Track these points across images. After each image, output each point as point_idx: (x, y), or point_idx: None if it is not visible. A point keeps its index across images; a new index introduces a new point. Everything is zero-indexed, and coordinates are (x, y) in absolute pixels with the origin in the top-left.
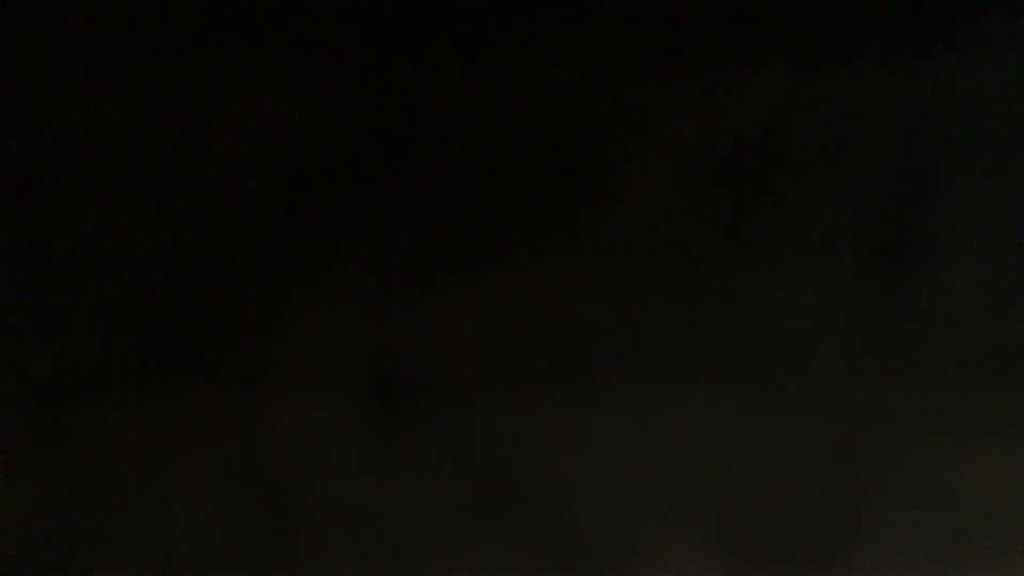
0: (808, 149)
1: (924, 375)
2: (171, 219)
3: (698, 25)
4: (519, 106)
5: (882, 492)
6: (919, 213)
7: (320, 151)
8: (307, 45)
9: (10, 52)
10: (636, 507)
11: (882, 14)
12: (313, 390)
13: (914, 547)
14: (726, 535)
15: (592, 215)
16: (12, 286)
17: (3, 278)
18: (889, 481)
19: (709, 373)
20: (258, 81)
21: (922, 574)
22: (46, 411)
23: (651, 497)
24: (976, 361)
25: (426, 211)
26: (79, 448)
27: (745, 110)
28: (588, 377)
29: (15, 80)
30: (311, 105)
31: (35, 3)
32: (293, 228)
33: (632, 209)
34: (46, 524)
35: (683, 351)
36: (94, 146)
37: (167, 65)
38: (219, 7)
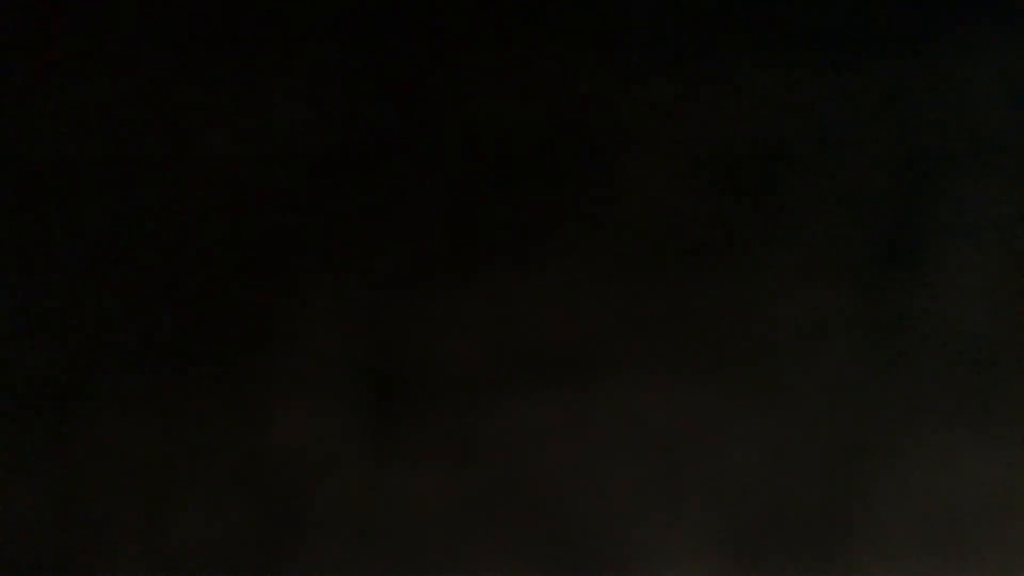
0: (808, 149)
1: (924, 374)
2: (171, 220)
3: (698, 26)
4: (519, 107)
5: (882, 492)
6: (919, 213)
7: (321, 152)
8: (307, 45)
9: (10, 52)
10: (636, 507)
11: (882, 14)
12: (313, 390)
13: (914, 546)
14: (726, 535)
15: (592, 215)
16: (12, 287)
17: (3, 279)
18: (889, 481)
19: (709, 372)
20: (258, 81)
21: (922, 574)
22: (46, 411)
23: (651, 497)
24: (976, 361)
25: (426, 211)
26: (79, 448)
27: (745, 110)
28: (588, 377)
29: (15, 80)
30: (311, 105)
31: (35, 3)
32: (293, 228)
33: (632, 209)
34: (46, 524)
35: (683, 351)
36: (94, 147)
37: (165, 66)
38: (219, 8)
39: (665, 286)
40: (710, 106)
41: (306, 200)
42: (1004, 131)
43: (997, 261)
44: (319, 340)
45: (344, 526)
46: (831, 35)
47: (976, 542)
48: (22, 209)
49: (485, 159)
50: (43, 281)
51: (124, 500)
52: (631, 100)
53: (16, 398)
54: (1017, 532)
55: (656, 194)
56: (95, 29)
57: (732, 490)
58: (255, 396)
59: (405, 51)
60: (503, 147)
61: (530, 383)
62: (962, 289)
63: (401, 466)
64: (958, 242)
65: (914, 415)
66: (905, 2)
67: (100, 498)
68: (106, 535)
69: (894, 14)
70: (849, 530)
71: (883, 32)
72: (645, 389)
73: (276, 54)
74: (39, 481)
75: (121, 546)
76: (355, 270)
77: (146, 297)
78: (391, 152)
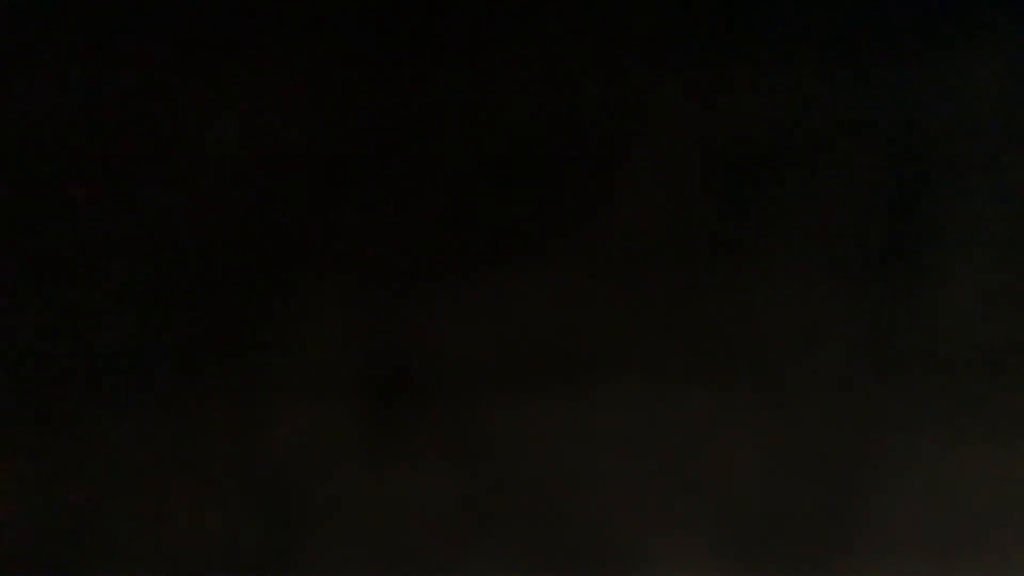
0: (808, 149)
1: (924, 376)
2: (172, 220)
3: (698, 25)
4: (520, 107)
5: (882, 492)
6: (919, 213)
7: (321, 152)
8: (307, 45)
9: (10, 52)
10: (636, 507)
11: (882, 14)
12: (313, 390)
13: (914, 547)
14: (726, 535)
15: (592, 215)
16: (12, 288)
17: (3, 280)
18: (889, 482)
19: (709, 373)
20: (258, 81)
21: (922, 574)
22: (46, 411)
23: (651, 497)
24: (976, 361)
25: (427, 212)
26: (79, 448)
27: (745, 110)
28: (588, 377)
29: (15, 80)
30: (311, 105)
31: (35, 3)
32: (294, 228)
33: (632, 209)
34: (46, 524)
35: (683, 351)
36: (93, 147)
37: (166, 66)
38: (219, 7)
39: (666, 286)
40: (710, 106)
41: (306, 200)
42: (1004, 131)
43: (998, 261)
44: (320, 340)
45: (344, 526)
46: (831, 35)
47: (977, 544)
48: (22, 209)
49: (485, 159)
50: (41, 283)
51: (124, 500)
52: (631, 100)
53: (16, 398)
54: (1017, 533)
55: (657, 194)
56: (95, 29)
57: (733, 492)
58: (256, 396)
59: (406, 51)
60: (503, 147)
61: (531, 384)
62: (963, 289)
63: (401, 466)
64: (959, 242)
65: (915, 416)
66: (905, 2)
67: (100, 498)
68: (106, 535)
69: (894, 14)
70: (850, 532)
71: (883, 32)
72: (646, 390)
73: (276, 54)
74: (39, 481)
75: (121, 546)
76: (355, 270)
77: (146, 297)
78: (391, 152)
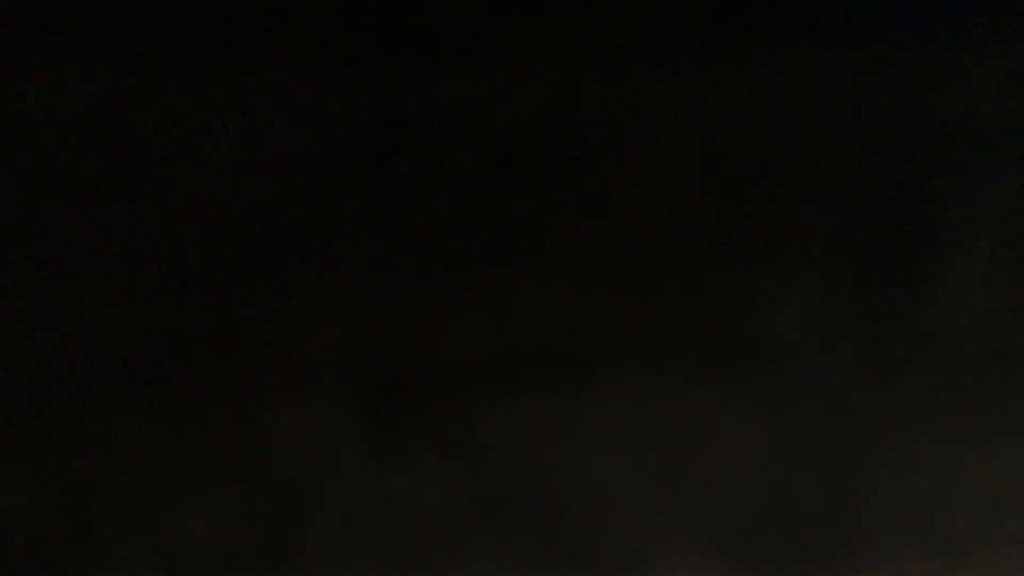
0: (807, 150)
1: (923, 375)
2: (171, 219)
3: (696, 25)
4: (519, 107)
5: (882, 492)
6: (919, 213)
7: (320, 151)
8: (306, 45)
9: (11, 52)
10: (636, 507)
11: (883, 14)
12: (313, 390)
13: (914, 547)
14: (726, 536)
15: (592, 215)
16: (11, 287)
17: (2, 279)
18: (889, 481)
19: (709, 373)
20: (259, 81)
21: (922, 574)
22: (46, 411)
23: (651, 497)
24: (976, 361)
25: (426, 211)
26: (79, 448)
27: (743, 111)
28: (588, 377)
29: (15, 80)
30: (311, 105)
31: (35, 3)
32: (293, 228)
33: (632, 209)
34: (46, 524)
35: (683, 351)
36: (93, 147)
37: (166, 66)
38: (219, 7)
39: (666, 286)
40: (710, 106)
41: (306, 200)
42: (1005, 131)
43: (998, 263)
44: (320, 341)
45: (345, 527)
46: (831, 35)
47: (977, 544)
48: (22, 209)
49: (486, 159)
50: (40, 282)
51: (124, 500)
52: (632, 100)
53: (16, 398)
54: (1017, 533)
55: (656, 195)
56: (95, 29)
57: (733, 491)
58: (256, 396)
59: (406, 51)
60: (504, 147)
61: (531, 384)
62: (962, 291)
63: (402, 467)
64: (959, 244)
65: (914, 416)
66: (905, 1)
67: (100, 498)
68: (106, 535)
69: (894, 14)
70: (849, 533)
71: (883, 32)
72: (645, 389)
73: (276, 54)
74: (39, 481)
75: (121, 546)
76: (355, 270)
77: (146, 297)
78: (391, 152)
